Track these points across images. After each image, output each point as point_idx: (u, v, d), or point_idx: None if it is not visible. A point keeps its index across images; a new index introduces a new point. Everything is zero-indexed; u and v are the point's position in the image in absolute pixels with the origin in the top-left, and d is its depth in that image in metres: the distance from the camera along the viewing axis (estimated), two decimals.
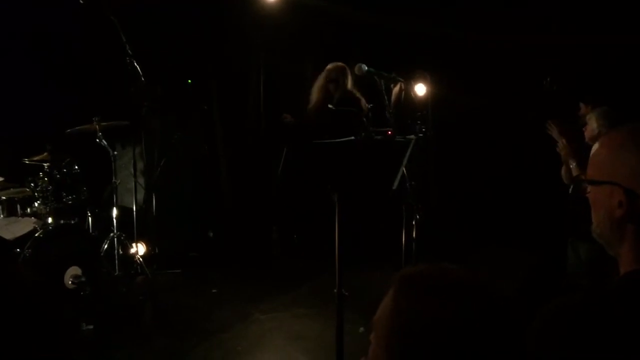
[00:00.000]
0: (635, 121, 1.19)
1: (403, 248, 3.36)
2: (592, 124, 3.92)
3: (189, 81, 6.63)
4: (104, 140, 4.92)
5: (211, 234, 6.44)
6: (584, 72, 6.28)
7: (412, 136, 3.07)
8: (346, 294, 2.83)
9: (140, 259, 5.14)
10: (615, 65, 6.13)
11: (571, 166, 3.90)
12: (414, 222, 3.34)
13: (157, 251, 5.60)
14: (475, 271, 1.00)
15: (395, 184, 2.76)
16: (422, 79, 4.99)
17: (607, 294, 1.09)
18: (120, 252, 5.06)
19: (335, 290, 2.84)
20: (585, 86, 5.91)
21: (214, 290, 5.07)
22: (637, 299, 1.04)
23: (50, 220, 4.49)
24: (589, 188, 1.19)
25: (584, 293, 1.14)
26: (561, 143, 4.02)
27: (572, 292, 1.14)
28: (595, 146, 1.21)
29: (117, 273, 4.98)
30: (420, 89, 5.42)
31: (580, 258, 4.04)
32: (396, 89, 5.64)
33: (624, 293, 1.07)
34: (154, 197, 5.83)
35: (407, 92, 4.32)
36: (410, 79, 4.55)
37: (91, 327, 4.05)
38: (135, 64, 4.93)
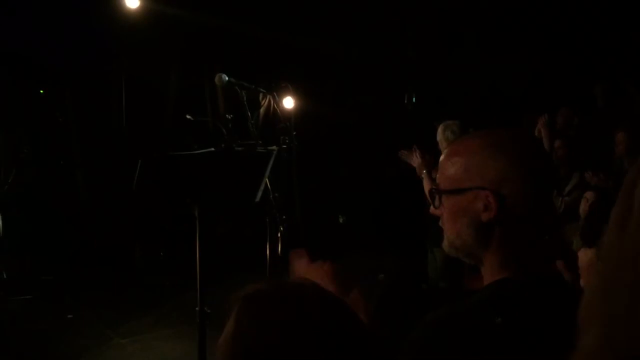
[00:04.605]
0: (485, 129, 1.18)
1: (268, 261, 3.32)
2: (439, 136, 4.14)
3: (41, 91, 6.18)
4: None
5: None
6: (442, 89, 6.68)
7: (274, 147, 3.04)
8: (208, 311, 2.73)
9: None
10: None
11: (423, 177, 4.06)
12: (278, 234, 3.31)
13: (5, 276, 5.15)
14: (318, 285, 0.96)
15: (258, 195, 2.71)
16: (287, 91, 5.00)
17: (476, 306, 1.05)
18: None
19: (197, 308, 2.74)
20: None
21: (69, 316, 4.73)
22: (509, 309, 1.01)
23: None
24: (444, 199, 1.12)
25: (451, 307, 1.06)
26: (414, 156, 4.12)
27: (436, 305, 1.08)
28: (444, 157, 1.15)
29: None
30: (288, 102, 5.43)
31: (437, 263, 4.26)
32: (265, 103, 5.61)
33: (494, 304, 1.04)
34: (0, 216, 5.35)
35: (274, 104, 4.30)
36: (275, 91, 4.54)
37: None
38: None
